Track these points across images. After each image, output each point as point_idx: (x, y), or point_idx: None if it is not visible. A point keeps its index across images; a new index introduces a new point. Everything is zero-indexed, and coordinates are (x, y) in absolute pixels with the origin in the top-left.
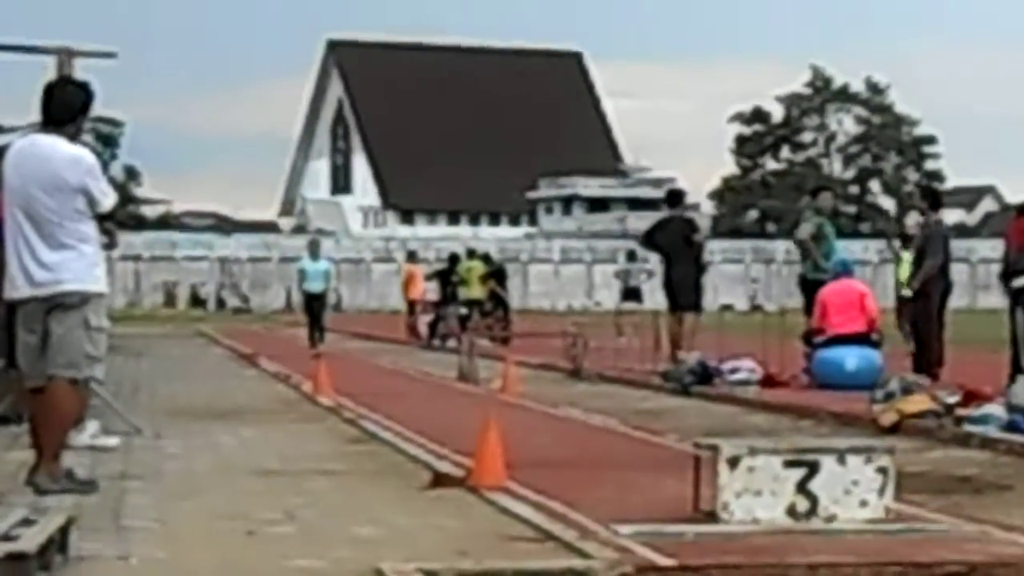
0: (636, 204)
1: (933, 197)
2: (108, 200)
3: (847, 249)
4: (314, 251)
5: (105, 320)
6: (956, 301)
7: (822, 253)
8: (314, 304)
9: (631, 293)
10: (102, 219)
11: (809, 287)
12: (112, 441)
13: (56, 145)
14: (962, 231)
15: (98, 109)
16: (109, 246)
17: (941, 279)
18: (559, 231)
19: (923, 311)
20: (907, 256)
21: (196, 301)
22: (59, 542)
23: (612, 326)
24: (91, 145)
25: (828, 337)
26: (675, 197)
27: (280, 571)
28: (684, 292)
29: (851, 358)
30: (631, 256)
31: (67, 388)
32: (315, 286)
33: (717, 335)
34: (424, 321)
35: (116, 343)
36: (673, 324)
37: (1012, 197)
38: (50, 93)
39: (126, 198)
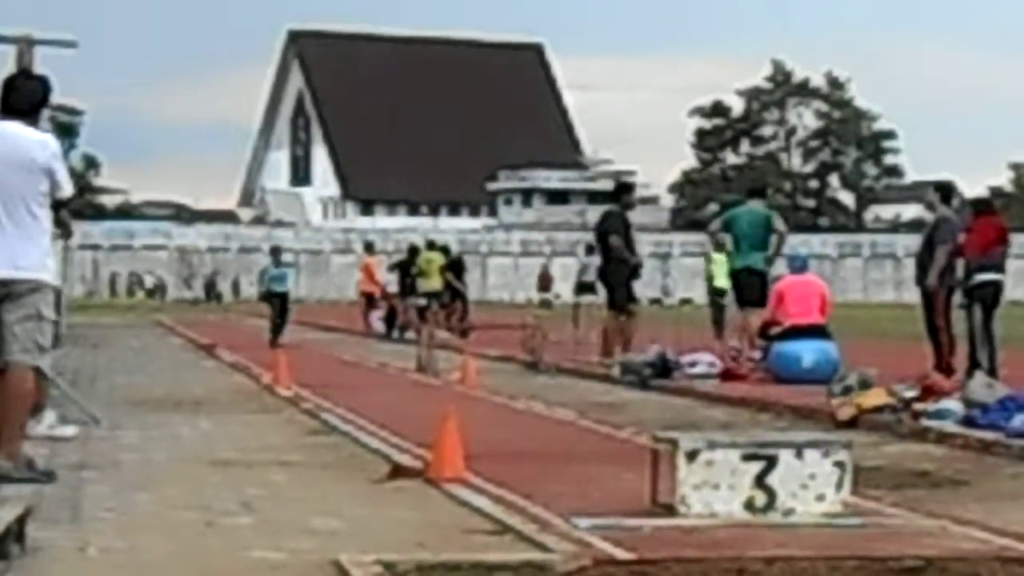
0: (596, 197)
1: (944, 191)
2: (69, 187)
3: (806, 244)
4: (276, 258)
5: (52, 312)
6: (912, 296)
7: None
8: (275, 301)
9: (585, 287)
10: (57, 208)
11: (738, 279)
12: (70, 431)
13: (21, 129)
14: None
15: (57, 98)
16: (65, 235)
17: (950, 272)
18: (519, 223)
19: (934, 304)
20: (718, 257)
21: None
22: (16, 532)
23: (570, 319)
24: (46, 130)
25: (785, 329)
26: (616, 192)
27: (238, 562)
28: (621, 289)
29: (808, 353)
30: (589, 250)
31: (26, 373)
32: (279, 286)
33: (675, 329)
34: (376, 316)
35: (74, 333)
36: (611, 321)
37: (971, 192)
38: (10, 86)
39: (85, 187)
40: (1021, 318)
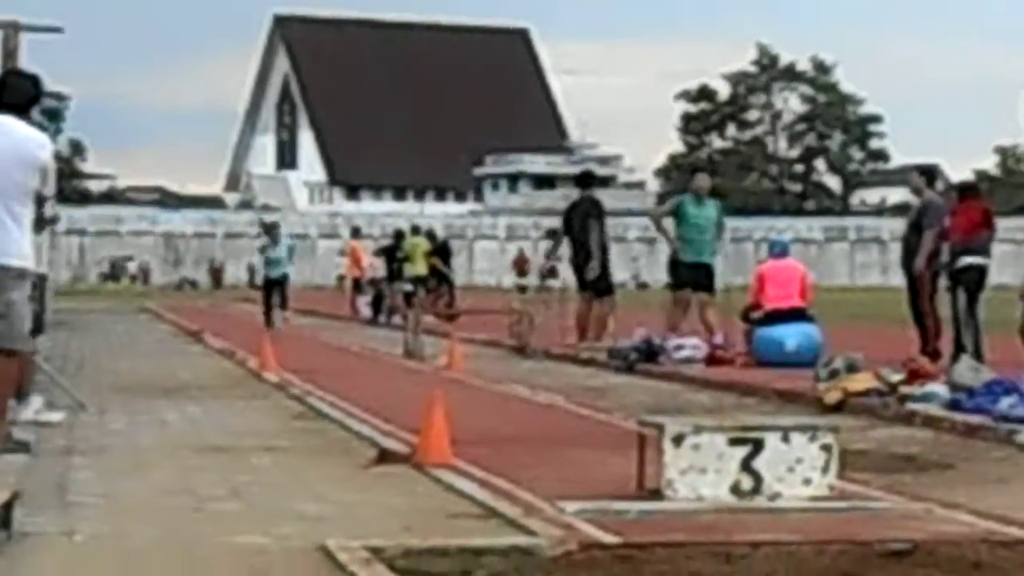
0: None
1: (929, 174)
2: (53, 185)
3: (792, 228)
4: (274, 236)
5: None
6: (898, 280)
7: (681, 234)
8: (274, 289)
9: (549, 272)
10: (40, 203)
11: (674, 267)
12: (56, 416)
13: (22, 125)
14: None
15: (44, 83)
16: (40, 228)
17: (936, 256)
18: (505, 208)
19: (920, 288)
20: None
21: (113, 276)
22: (3, 518)
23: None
24: (37, 120)
25: (766, 312)
26: (584, 179)
27: (225, 547)
28: (601, 277)
29: (791, 336)
30: (551, 235)
31: (10, 358)
32: (275, 272)
33: (662, 314)
34: (363, 302)
35: (61, 318)
36: (582, 307)
37: (957, 176)
38: (3, 83)
39: (71, 173)
40: (1006, 302)
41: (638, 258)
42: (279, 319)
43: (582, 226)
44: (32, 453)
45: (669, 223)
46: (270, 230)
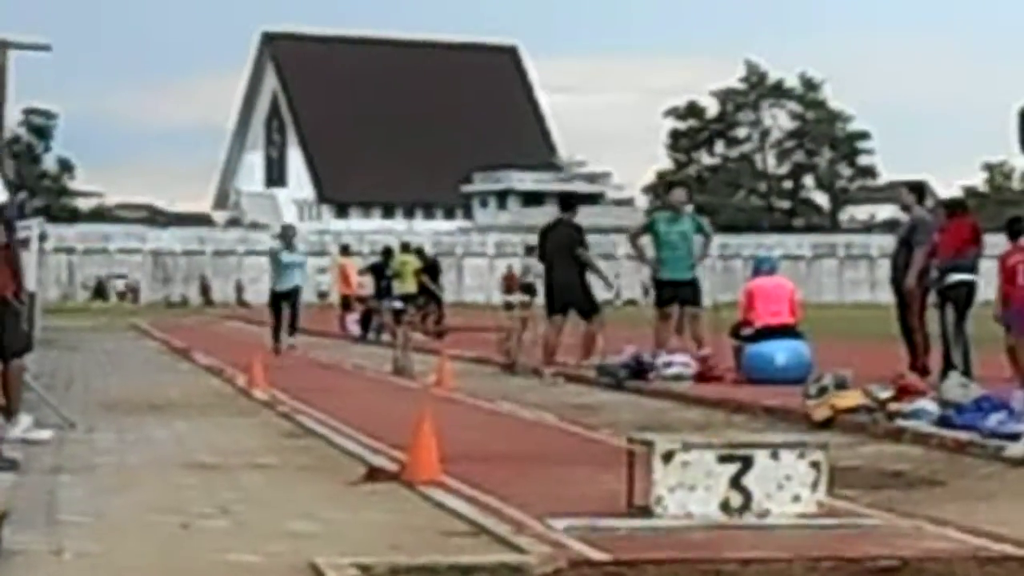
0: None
1: (918, 191)
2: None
3: (781, 244)
4: (288, 240)
5: None
6: (887, 296)
7: (656, 252)
8: (283, 303)
9: (525, 288)
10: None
11: (657, 285)
12: (45, 434)
13: None
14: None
15: (32, 101)
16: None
17: (925, 273)
18: (494, 225)
19: (910, 305)
20: None
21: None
22: None
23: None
24: (25, 138)
25: (756, 329)
26: (566, 202)
27: (214, 565)
28: (569, 296)
29: (781, 352)
30: (529, 251)
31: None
32: (286, 283)
33: (652, 330)
34: (352, 319)
35: (50, 336)
36: (551, 331)
37: (945, 193)
38: None
39: (60, 190)
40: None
41: (620, 275)
42: (286, 341)
43: (557, 250)
44: (21, 471)
45: (646, 241)
46: (286, 232)
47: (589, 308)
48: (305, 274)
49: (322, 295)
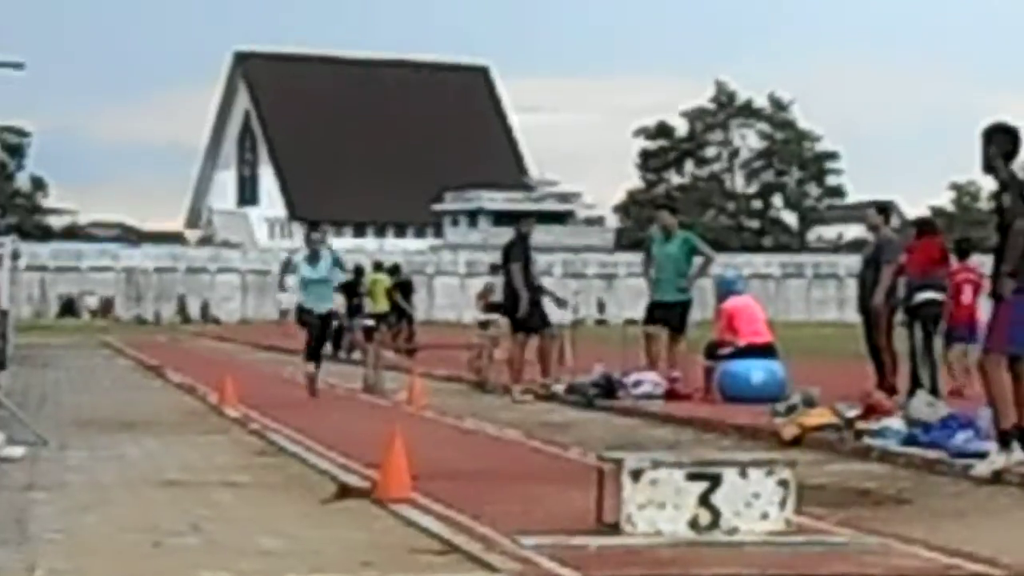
0: (542, 217)
1: (885, 211)
2: None
3: (749, 264)
4: (314, 250)
5: None
6: (854, 315)
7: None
8: (317, 324)
9: (491, 308)
10: None
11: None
12: (17, 452)
13: None
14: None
15: (4, 119)
16: None
17: (892, 292)
18: (465, 243)
19: (877, 323)
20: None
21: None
22: None
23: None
24: None
25: (738, 348)
26: (521, 220)
27: None
28: (532, 315)
29: (757, 371)
30: (494, 270)
31: None
32: (322, 303)
33: (622, 349)
34: None
35: (23, 353)
36: (514, 349)
37: (913, 212)
38: None
39: (32, 208)
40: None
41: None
42: (318, 367)
43: (505, 266)
44: None
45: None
46: (310, 240)
47: (537, 325)
48: (329, 292)
49: (283, 313)
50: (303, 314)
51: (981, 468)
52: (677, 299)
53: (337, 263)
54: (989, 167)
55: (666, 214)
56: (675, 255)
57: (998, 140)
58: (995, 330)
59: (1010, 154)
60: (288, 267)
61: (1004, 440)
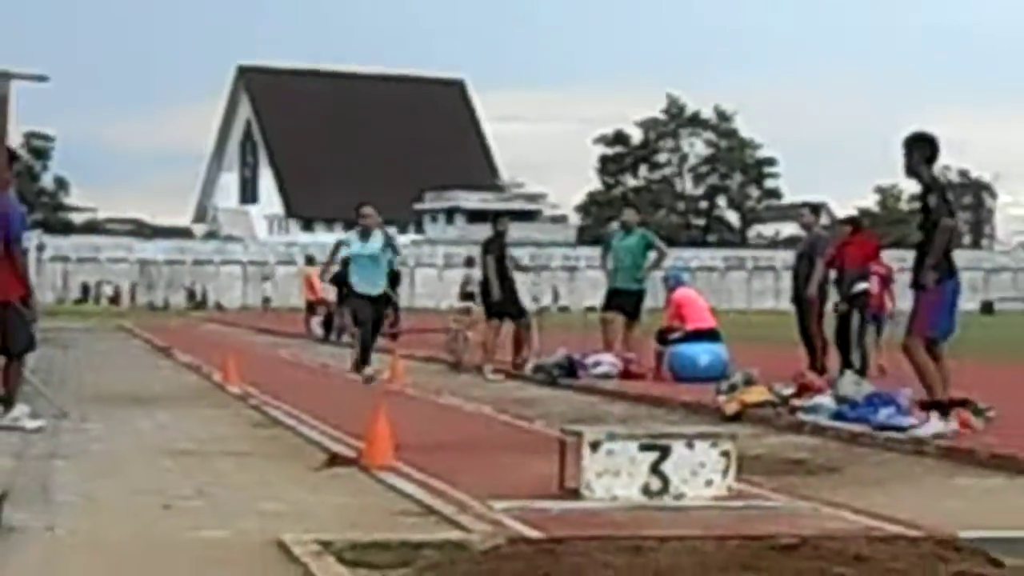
0: (512, 216)
1: (817, 211)
2: None
3: (696, 257)
4: (365, 230)
5: None
6: (789, 304)
7: (611, 264)
8: (367, 311)
9: (467, 297)
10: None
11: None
12: (41, 423)
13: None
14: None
15: (31, 125)
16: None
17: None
18: (443, 239)
19: (810, 311)
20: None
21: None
22: None
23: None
24: (25, 159)
25: (687, 332)
26: (498, 219)
27: (192, 541)
28: (507, 303)
29: (704, 354)
30: (469, 263)
31: None
32: (372, 286)
33: (582, 334)
34: (315, 321)
35: (46, 336)
36: (488, 333)
37: (842, 212)
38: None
39: (56, 205)
40: (896, 324)
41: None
42: (371, 365)
43: (483, 259)
44: (19, 456)
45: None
46: (362, 209)
47: (514, 312)
48: (383, 273)
49: (266, 300)
50: (353, 299)
51: (926, 429)
52: (633, 288)
53: (390, 244)
54: (911, 171)
55: (632, 211)
56: (633, 248)
57: (919, 147)
58: (918, 316)
59: (930, 159)
60: (338, 249)
61: (943, 409)
